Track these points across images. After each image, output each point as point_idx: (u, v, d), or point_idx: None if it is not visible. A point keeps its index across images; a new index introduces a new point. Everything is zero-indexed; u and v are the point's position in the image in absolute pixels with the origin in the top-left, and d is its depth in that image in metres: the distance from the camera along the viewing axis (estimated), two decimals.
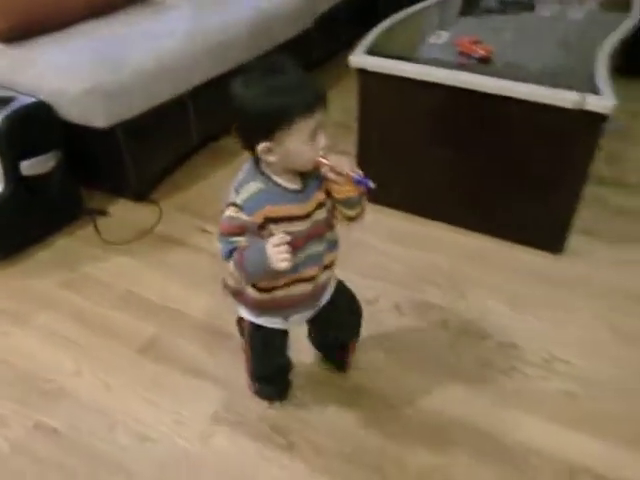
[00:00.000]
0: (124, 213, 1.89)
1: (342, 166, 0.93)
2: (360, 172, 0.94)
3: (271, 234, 0.94)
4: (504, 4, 2.22)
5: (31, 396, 1.29)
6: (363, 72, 1.68)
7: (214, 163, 2.12)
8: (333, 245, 1.07)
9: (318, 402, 1.28)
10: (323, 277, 1.08)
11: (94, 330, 1.46)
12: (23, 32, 1.80)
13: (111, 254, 1.71)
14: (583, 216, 1.73)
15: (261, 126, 0.90)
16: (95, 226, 1.81)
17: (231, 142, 2.26)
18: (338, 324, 1.23)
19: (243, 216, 0.94)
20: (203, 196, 1.97)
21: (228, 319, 1.34)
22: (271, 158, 0.92)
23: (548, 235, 1.70)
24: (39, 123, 1.63)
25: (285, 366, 1.28)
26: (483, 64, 1.64)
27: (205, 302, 1.53)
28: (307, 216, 0.97)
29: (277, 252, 0.89)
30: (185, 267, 1.67)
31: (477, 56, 1.65)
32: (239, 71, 0.93)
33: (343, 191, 0.96)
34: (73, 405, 1.27)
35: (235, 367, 1.33)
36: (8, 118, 1.55)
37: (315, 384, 1.33)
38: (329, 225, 1.04)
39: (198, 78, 1.96)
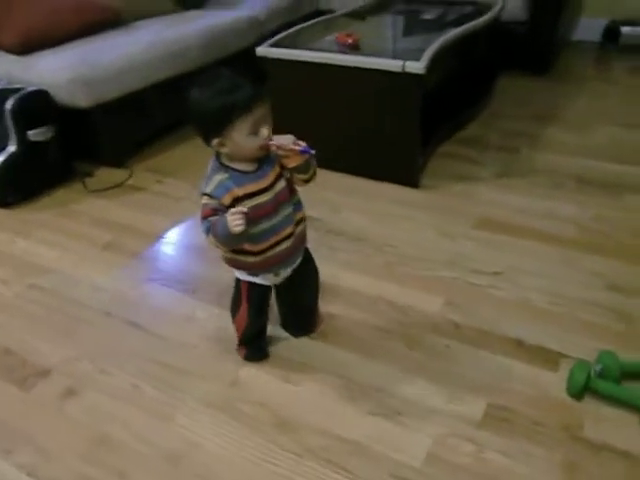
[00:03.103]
0: (105, 174, 2.55)
1: (287, 144, 1.16)
2: (302, 143, 1.18)
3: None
4: (398, 11, 2.89)
5: (25, 271, 1.93)
6: (267, 60, 2.32)
7: (177, 142, 2.81)
8: (298, 205, 1.32)
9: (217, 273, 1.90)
10: (297, 231, 1.32)
11: (74, 238, 2.10)
12: (30, 47, 2.51)
13: (94, 199, 2.37)
14: (443, 163, 2.41)
15: (212, 124, 1.13)
16: (83, 183, 2.48)
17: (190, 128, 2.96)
18: (308, 285, 1.51)
19: (213, 202, 1.18)
20: (165, 162, 2.65)
21: (160, 227, 2.10)
22: (225, 150, 1.16)
23: (405, 174, 2.30)
24: (40, 104, 2.31)
25: (265, 323, 1.52)
26: (352, 49, 2.28)
27: (151, 221, 2.18)
28: (268, 188, 1.21)
29: (232, 220, 1.10)
30: (143, 203, 2.32)
31: (347, 44, 2.29)
32: (195, 73, 1.33)
33: (292, 161, 1.20)
34: (55, 275, 1.91)
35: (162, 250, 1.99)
36: (19, 99, 2.23)
37: None
38: (291, 190, 1.28)
39: (160, 75, 2.64)
